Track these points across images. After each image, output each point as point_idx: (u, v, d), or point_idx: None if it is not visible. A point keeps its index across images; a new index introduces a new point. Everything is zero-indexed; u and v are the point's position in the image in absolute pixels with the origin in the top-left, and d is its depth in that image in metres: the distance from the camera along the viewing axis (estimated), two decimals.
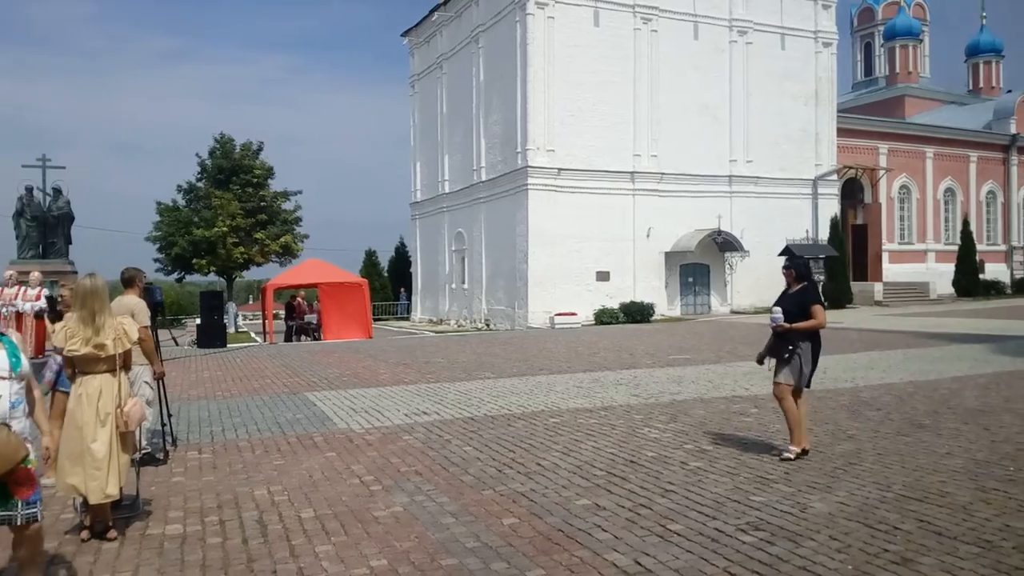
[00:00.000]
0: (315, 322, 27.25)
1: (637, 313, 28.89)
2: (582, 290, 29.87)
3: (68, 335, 5.09)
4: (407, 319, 41.52)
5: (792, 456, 6.80)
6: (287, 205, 42.63)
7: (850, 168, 37.22)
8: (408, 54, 42.39)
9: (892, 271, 38.45)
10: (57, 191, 21.03)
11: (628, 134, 31.03)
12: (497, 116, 32.46)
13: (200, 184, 41.55)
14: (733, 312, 32.33)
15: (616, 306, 29.35)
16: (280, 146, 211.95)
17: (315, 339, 26.12)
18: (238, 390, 12.70)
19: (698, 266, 32.22)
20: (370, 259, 48.47)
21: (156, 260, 40.94)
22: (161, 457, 7.40)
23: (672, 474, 6.48)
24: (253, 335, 29.56)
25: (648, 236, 31.19)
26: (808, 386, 7.09)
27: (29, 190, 20.67)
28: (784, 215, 33.62)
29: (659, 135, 31.41)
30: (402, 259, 47.13)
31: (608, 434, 8.24)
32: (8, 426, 3.82)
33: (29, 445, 3.91)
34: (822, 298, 7.28)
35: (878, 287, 36.07)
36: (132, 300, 6.75)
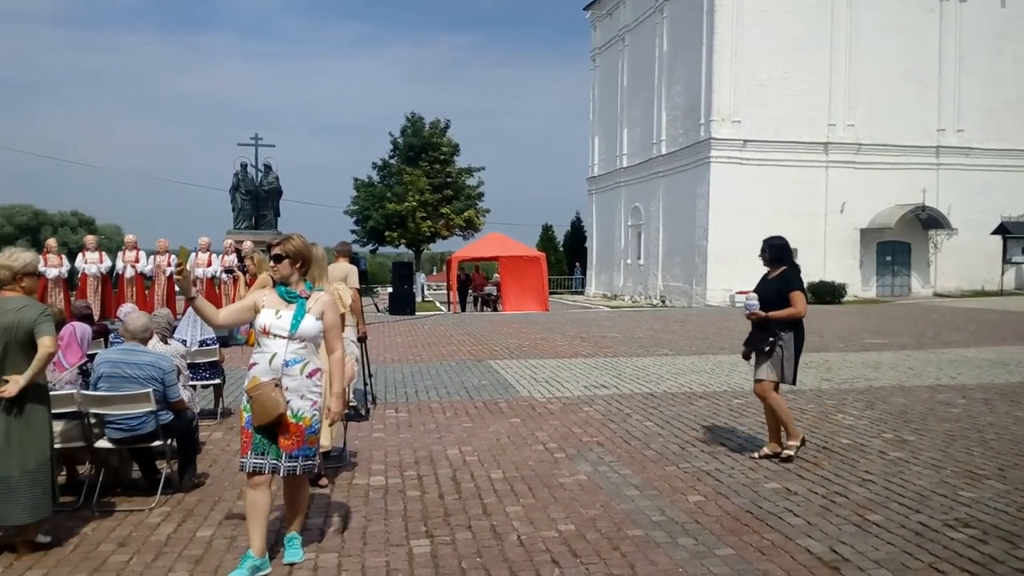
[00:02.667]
0: (495, 293, 28.12)
1: (827, 293, 27.39)
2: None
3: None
4: (581, 293, 41.81)
5: (793, 452, 6.15)
6: (471, 181, 44.04)
7: None
8: (590, 28, 42.24)
9: None
10: (268, 167, 22.87)
11: (822, 102, 29.30)
12: (680, 87, 31.69)
13: (393, 161, 43.78)
14: (936, 295, 29.89)
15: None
16: (463, 123, 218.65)
17: (494, 310, 26.95)
18: (427, 355, 13.40)
19: (897, 244, 30.00)
20: (547, 233, 49.16)
21: (353, 231, 43.77)
22: (364, 413, 8.00)
23: (870, 463, 6.15)
24: (438, 304, 30.94)
25: (842, 211, 29.43)
26: (794, 382, 6.30)
27: (244, 166, 22.61)
28: (999, 189, 30.43)
29: (857, 103, 29.41)
30: (577, 234, 47.40)
31: (798, 418, 7.90)
32: (278, 383, 4.02)
33: (305, 403, 4.09)
34: (804, 284, 6.33)
35: None
36: (345, 266, 7.49)
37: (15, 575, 4.14)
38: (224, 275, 16.34)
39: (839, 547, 4.37)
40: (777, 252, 6.34)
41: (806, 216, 29.02)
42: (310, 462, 4.21)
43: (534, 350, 14.02)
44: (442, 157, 42.66)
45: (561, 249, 48.43)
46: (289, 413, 4.05)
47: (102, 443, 5.36)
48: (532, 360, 12.55)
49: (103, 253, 16.66)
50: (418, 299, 29.06)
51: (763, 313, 6.10)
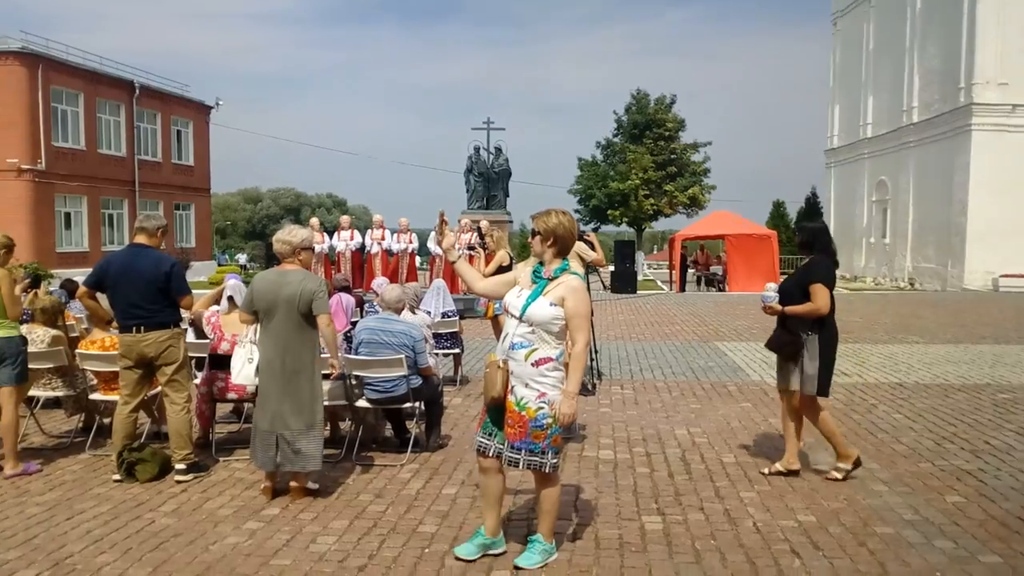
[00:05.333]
0: (720, 273, 27.28)
1: None
2: None
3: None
4: None
5: (841, 476, 5.21)
6: (696, 157, 42.91)
7: None
8: None
9: None
10: (498, 150, 23.80)
11: None
12: (935, 49, 28.63)
13: (616, 139, 43.74)
14: None
15: None
16: (690, 98, 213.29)
17: (720, 290, 26.18)
18: (650, 334, 13.33)
19: None
20: (777, 210, 46.63)
21: (576, 211, 44.37)
22: (591, 388, 8.14)
23: None
24: (659, 283, 30.60)
25: None
26: (826, 394, 5.14)
27: (477, 150, 23.69)
28: None
29: None
30: (812, 210, 44.45)
31: None
32: (502, 364, 3.80)
33: (530, 392, 3.74)
34: (833, 276, 5.20)
35: None
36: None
37: (289, 516, 4.70)
38: (466, 251, 17.29)
39: None
40: (806, 236, 5.36)
41: None
42: (535, 458, 3.77)
43: (765, 333, 13.39)
44: (667, 133, 41.91)
45: (793, 227, 45.85)
46: (512, 399, 3.77)
47: (361, 403, 5.92)
48: (763, 343, 12.05)
49: (355, 231, 18.28)
50: (639, 277, 28.90)
51: (778, 307, 5.25)
